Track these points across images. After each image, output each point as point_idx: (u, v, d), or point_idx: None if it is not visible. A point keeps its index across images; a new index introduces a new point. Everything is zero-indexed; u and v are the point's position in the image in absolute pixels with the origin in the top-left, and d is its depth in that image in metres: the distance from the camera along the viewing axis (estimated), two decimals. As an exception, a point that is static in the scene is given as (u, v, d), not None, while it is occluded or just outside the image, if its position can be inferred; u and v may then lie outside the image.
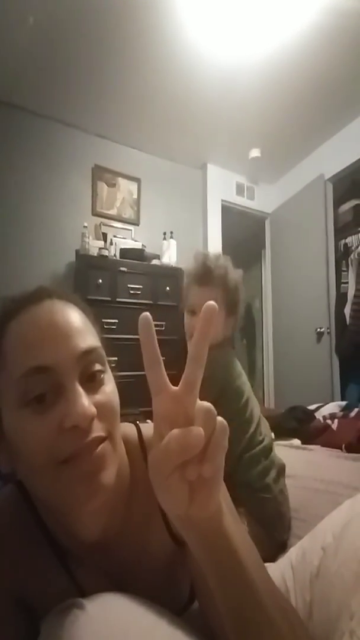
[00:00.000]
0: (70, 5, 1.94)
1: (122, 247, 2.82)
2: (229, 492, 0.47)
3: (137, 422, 0.55)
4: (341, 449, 1.62)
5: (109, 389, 0.43)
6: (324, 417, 2.00)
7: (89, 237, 2.70)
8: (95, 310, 0.49)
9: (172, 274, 2.88)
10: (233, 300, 1.11)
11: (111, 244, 2.81)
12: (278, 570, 0.56)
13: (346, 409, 2.06)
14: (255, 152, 3.22)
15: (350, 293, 2.94)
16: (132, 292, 2.68)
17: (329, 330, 2.96)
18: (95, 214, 3.01)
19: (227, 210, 3.65)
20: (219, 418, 0.31)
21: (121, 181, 3.16)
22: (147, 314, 0.31)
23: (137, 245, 2.94)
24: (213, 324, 0.32)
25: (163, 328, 2.71)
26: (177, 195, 3.46)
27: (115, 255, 2.77)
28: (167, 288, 2.82)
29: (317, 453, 1.61)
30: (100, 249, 2.69)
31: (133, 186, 3.22)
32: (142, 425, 0.54)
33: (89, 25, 2.07)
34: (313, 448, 1.68)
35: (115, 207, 3.13)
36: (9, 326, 0.41)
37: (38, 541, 0.46)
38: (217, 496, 0.32)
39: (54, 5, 1.93)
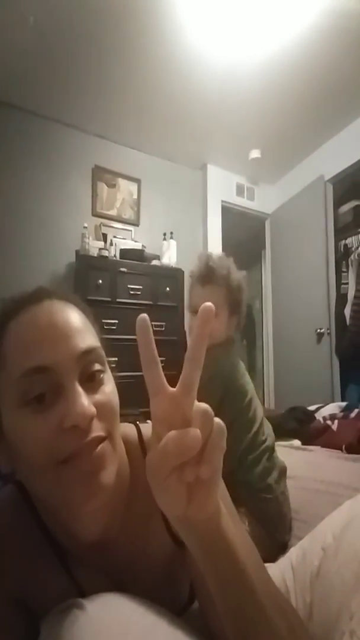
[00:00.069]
0: (70, 6, 1.94)
1: (122, 247, 2.82)
2: (230, 491, 0.47)
3: (137, 422, 0.55)
4: (341, 450, 1.62)
5: (109, 389, 0.43)
6: (324, 418, 2.00)
7: (89, 238, 2.70)
8: (95, 310, 0.49)
9: (172, 274, 2.88)
10: (236, 300, 1.12)
11: (111, 244, 2.81)
12: (278, 570, 0.56)
13: (346, 410, 2.06)
14: (255, 153, 3.23)
15: (350, 294, 2.95)
16: (132, 292, 2.68)
17: (329, 331, 2.96)
18: (95, 214, 3.02)
19: (227, 211, 3.66)
20: (217, 419, 0.31)
21: (121, 182, 3.16)
22: (145, 315, 0.31)
23: (137, 245, 2.94)
24: (211, 324, 0.32)
25: (163, 329, 2.72)
26: (177, 196, 3.47)
27: (115, 255, 2.77)
28: (167, 289, 2.82)
29: (317, 454, 1.61)
30: (100, 249, 2.70)
31: (133, 187, 3.22)
32: (142, 426, 0.54)
33: (89, 26, 2.07)
34: (313, 449, 1.68)
35: (115, 207, 3.13)
36: (8, 326, 0.41)
37: (38, 541, 0.46)
38: (215, 497, 0.32)
39: (54, 5, 1.93)
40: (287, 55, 2.27)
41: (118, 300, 2.61)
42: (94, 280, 2.54)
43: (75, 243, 2.72)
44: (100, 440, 0.40)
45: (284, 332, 3.60)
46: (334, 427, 1.86)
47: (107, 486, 0.40)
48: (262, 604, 0.35)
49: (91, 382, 0.42)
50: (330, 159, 3.09)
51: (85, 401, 0.38)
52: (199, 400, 0.32)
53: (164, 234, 3.07)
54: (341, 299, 3.02)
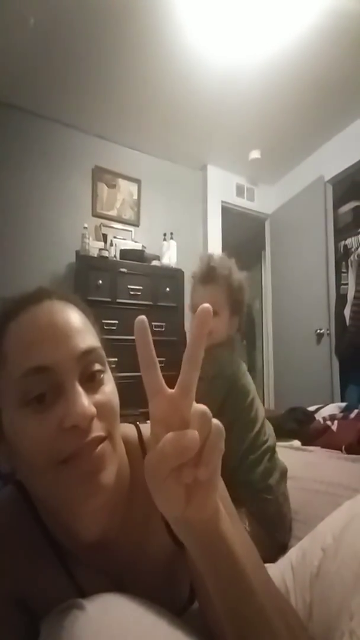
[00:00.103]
0: (70, 6, 1.94)
1: (122, 248, 2.83)
2: (230, 492, 0.47)
3: (137, 422, 0.55)
4: (341, 450, 1.62)
5: (109, 389, 0.43)
6: (324, 419, 2.00)
7: (89, 238, 2.70)
8: (95, 311, 0.49)
9: (172, 275, 2.88)
10: (237, 300, 1.13)
11: (111, 244, 2.81)
12: (278, 570, 0.56)
13: (346, 410, 2.06)
14: (255, 154, 3.23)
15: (350, 294, 2.95)
16: (132, 293, 2.68)
17: (328, 332, 2.96)
18: (95, 215, 3.02)
19: (227, 212, 3.66)
20: (215, 421, 0.31)
21: (121, 182, 3.17)
22: (143, 317, 0.31)
23: (137, 246, 2.94)
24: (209, 325, 0.32)
25: (163, 329, 2.72)
26: (177, 197, 3.47)
27: (115, 256, 2.77)
28: (167, 289, 2.82)
29: (317, 454, 1.61)
30: (100, 249, 2.70)
31: (133, 187, 3.22)
32: (142, 426, 0.54)
33: (89, 26, 2.07)
34: (313, 449, 1.68)
35: (116, 208, 3.13)
36: (8, 326, 0.41)
37: (38, 541, 0.46)
38: (213, 498, 0.32)
39: (54, 5, 1.94)
40: (287, 56, 2.27)
41: (118, 300, 2.62)
42: (94, 281, 2.54)
43: (76, 243, 2.72)
44: (101, 440, 0.40)
45: (283, 332, 3.60)
46: (334, 427, 1.86)
47: (107, 486, 0.40)
48: (261, 605, 0.35)
49: (91, 382, 0.42)
50: (330, 160, 3.09)
51: (85, 401, 0.38)
52: (202, 401, 0.32)
53: (164, 235, 3.07)
54: (341, 299, 3.02)
